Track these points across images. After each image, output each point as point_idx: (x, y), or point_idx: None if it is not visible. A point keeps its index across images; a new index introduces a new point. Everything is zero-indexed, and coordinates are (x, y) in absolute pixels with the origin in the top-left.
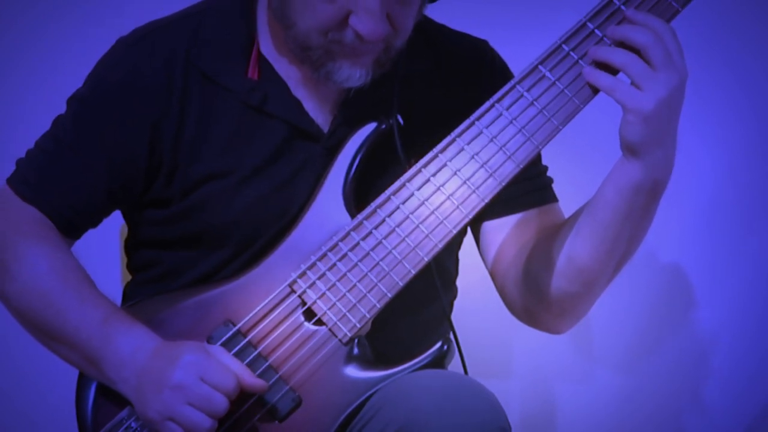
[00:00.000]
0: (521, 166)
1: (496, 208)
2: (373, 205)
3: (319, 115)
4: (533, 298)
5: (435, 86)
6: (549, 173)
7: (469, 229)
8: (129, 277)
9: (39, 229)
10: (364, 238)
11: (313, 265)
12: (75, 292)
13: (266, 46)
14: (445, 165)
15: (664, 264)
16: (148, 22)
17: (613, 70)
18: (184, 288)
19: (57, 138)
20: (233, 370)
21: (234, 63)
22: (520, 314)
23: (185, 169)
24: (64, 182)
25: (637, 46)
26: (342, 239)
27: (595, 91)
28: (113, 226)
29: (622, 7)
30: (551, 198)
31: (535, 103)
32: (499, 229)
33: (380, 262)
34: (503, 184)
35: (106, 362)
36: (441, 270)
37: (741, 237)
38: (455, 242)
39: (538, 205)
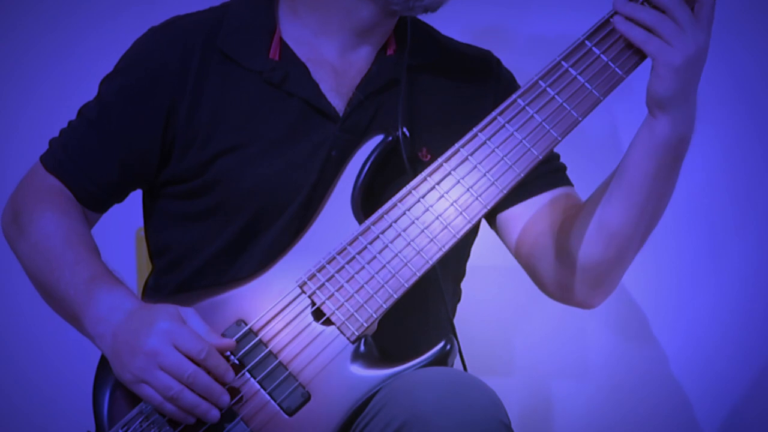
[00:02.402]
0: (522, 175)
1: (512, 195)
2: (381, 211)
3: (335, 97)
4: (567, 270)
5: (442, 90)
6: None
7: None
8: (143, 283)
9: (55, 197)
10: (371, 242)
11: (323, 267)
12: (73, 253)
13: (287, 33)
14: (449, 173)
15: (660, 260)
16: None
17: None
18: (199, 271)
19: (83, 116)
20: (202, 336)
21: (257, 46)
22: (553, 291)
23: (202, 144)
24: (84, 156)
25: (662, 7)
26: (350, 243)
27: (594, 105)
28: (129, 233)
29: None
30: (567, 181)
31: (535, 116)
32: (521, 213)
33: (387, 265)
34: (504, 191)
35: (86, 317)
36: (446, 272)
37: (736, 233)
38: (465, 246)
39: (556, 187)
